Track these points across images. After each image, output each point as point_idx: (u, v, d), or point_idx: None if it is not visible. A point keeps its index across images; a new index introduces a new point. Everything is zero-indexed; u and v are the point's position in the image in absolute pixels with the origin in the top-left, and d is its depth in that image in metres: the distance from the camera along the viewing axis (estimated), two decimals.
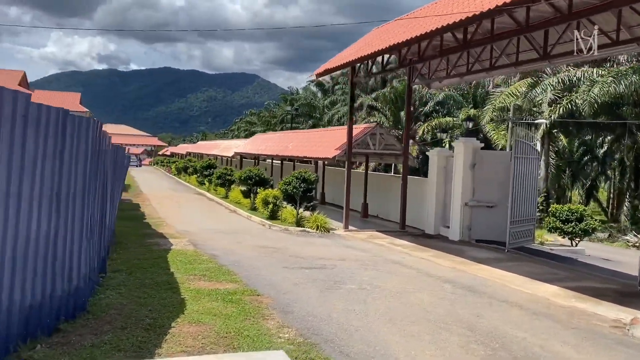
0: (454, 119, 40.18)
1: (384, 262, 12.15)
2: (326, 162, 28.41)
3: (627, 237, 25.38)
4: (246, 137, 61.79)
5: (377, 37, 16.21)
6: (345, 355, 5.76)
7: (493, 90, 34.70)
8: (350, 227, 18.20)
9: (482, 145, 17.49)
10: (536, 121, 28.02)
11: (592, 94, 25.80)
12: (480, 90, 42.41)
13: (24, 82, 69.35)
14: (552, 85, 27.80)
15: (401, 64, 15.54)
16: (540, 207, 28.27)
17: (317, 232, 17.08)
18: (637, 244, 23.39)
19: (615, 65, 27.28)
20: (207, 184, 33.39)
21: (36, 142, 4.99)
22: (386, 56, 16.66)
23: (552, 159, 32.71)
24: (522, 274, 11.41)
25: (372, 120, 44.05)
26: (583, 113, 27.52)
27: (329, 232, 17.29)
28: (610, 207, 43.96)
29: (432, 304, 8.27)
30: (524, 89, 29.41)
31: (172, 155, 78.92)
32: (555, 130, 32.12)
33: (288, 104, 66.07)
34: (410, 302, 8.30)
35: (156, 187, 36.45)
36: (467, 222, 16.78)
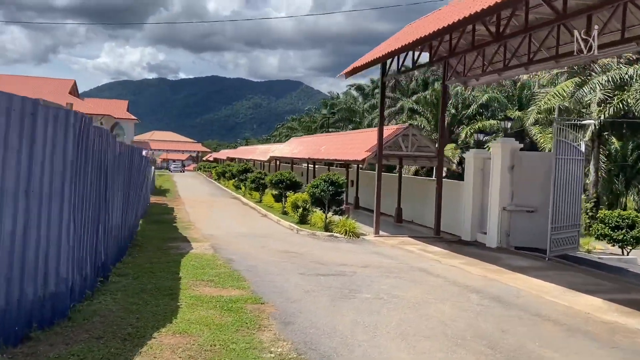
0: (498, 122, 38.69)
1: (409, 269, 11.36)
2: (361, 166, 27.70)
3: None
4: None
5: (408, 33, 15.44)
6: None
7: (537, 90, 33.16)
8: (381, 233, 17.43)
9: (522, 145, 16.41)
10: (584, 122, 26.40)
11: None
12: (525, 91, 40.77)
13: (74, 90, 71.69)
14: (602, 84, 26.14)
15: (432, 59, 14.70)
16: (590, 213, 26.64)
17: (345, 237, 16.39)
18: None
19: None
20: (242, 188, 33.23)
21: None
22: (417, 53, 15.84)
23: (603, 162, 30.86)
24: (562, 284, 10.41)
25: (413, 123, 43.06)
26: (636, 113, 25.78)
27: (358, 237, 16.58)
28: None
29: (452, 317, 7.47)
30: (570, 89, 27.84)
31: (215, 160, 79.75)
32: (606, 133, 30.29)
33: (328, 108, 65.68)
34: (428, 314, 7.53)
35: (194, 192, 36.59)
36: (505, 228, 15.74)
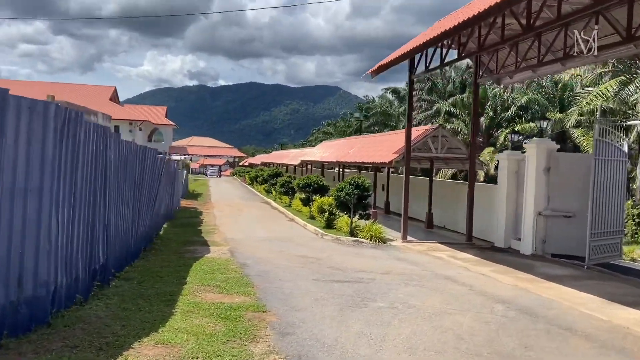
0: (539, 124, 37.25)
1: (432, 277, 10.66)
2: (392, 169, 26.96)
3: None
4: None
5: (435, 29, 14.74)
6: None
7: (579, 91, 31.70)
8: (409, 238, 16.71)
9: (558, 146, 15.43)
10: (629, 122, 24.91)
11: None
12: (567, 92, 39.16)
13: (114, 96, 73.26)
14: None
15: (461, 55, 13.95)
16: (636, 220, 25.13)
17: (371, 242, 15.75)
18: None
19: None
20: (273, 192, 32.97)
21: None
22: (445, 50, 15.08)
23: None
24: (600, 295, 9.53)
25: (449, 126, 42.09)
26: None
27: (384, 243, 15.91)
28: None
29: (471, 330, 6.77)
30: (614, 88, 26.39)
31: (250, 165, 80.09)
32: None
33: (363, 112, 65.09)
34: (444, 327, 6.85)
35: (226, 196, 36.54)
36: (541, 234, 14.80)
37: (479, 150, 39.66)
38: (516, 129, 37.15)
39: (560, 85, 39.78)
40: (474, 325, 7.03)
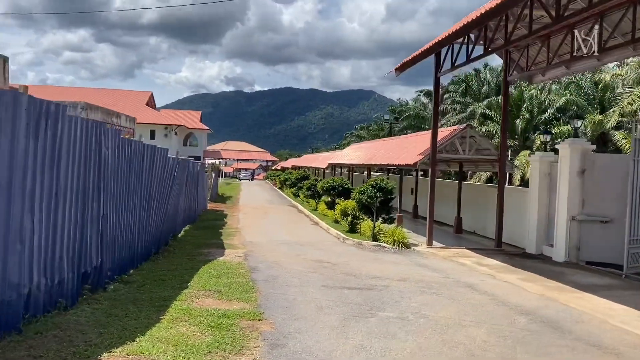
0: (574, 123, 35.70)
1: (453, 284, 9.98)
2: (420, 172, 26.20)
3: None
4: None
5: (460, 23, 14.02)
6: None
7: (621, 91, 30.26)
8: (435, 244, 15.99)
9: (594, 147, 14.49)
10: None
11: None
12: (608, 93, 37.52)
13: (151, 101, 74.32)
14: None
15: (488, 49, 13.19)
16: None
17: (393, 247, 15.11)
18: None
19: None
20: (301, 195, 32.60)
21: None
22: (471, 47, 14.33)
23: None
24: (637, 308, 8.71)
25: (483, 129, 40.98)
26: None
27: (408, 248, 15.24)
28: None
29: (484, 345, 6.12)
30: None
31: (282, 169, 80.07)
32: None
33: (396, 115, 64.25)
34: (455, 341, 6.22)
35: (254, 199, 36.36)
36: (575, 240, 13.89)
37: (514, 153, 38.47)
38: (554, 132, 35.80)
39: (600, 85, 38.15)
40: (489, 339, 6.37)
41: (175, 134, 65.43)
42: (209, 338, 5.61)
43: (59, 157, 5.85)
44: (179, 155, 12.77)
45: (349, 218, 18.42)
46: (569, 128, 36.35)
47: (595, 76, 35.15)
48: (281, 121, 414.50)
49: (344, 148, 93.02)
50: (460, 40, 14.32)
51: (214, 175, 35.17)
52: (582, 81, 37.23)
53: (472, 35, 14.36)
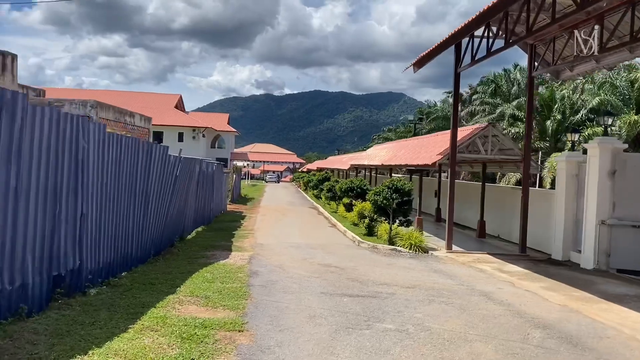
0: (611, 128, 34.20)
1: (466, 293, 9.21)
2: (444, 173, 25.29)
3: None
4: None
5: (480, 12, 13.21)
6: None
7: None
8: (455, 248, 15.17)
9: (626, 146, 13.49)
10: None
11: None
12: None
13: (180, 104, 74.91)
14: None
15: (509, 41, 12.34)
16: None
17: (410, 251, 14.35)
18: None
19: None
20: (322, 197, 32.04)
21: None
22: (491, 41, 13.50)
23: None
24: None
25: (513, 130, 39.76)
26: None
27: (426, 252, 14.47)
28: None
29: None
30: None
31: (308, 171, 79.67)
32: None
33: (417, 115, 63.23)
34: (456, 358, 5.51)
35: (276, 201, 35.94)
36: (605, 246, 12.91)
37: (545, 155, 37.07)
38: (587, 133, 34.38)
39: (637, 85, 36.55)
40: (496, 357, 5.64)
41: (203, 136, 65.62)
42: (174, 352, 5.04)
43: (18, 150, 5.38)
44: (182, 154, 12.29)
45: (366, 220, 17.74)
46: (602, 129, 34.87)
47: (631, 75, 33.65)
48: (310, 124, 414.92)
49: None
50: (480, 32, 13.53)
51: (235, 176, 34.85)
52: (617, 80, 35.73)
53: (493, 28, 13.56)
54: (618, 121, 33.42)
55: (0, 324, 5.23)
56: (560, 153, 37.59)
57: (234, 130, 77.80)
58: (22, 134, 5.44)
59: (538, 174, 33.86)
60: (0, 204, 5.17)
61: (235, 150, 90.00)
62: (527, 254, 14.98)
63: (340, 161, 47.29)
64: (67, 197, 6.60)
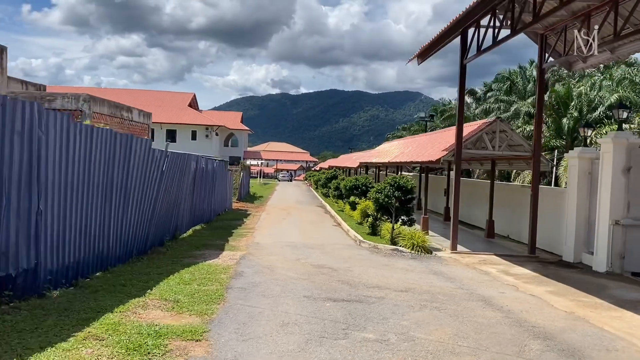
0: (631, 125, 33.06)
1: (464, 298, 8.52)
2: (451, 169, 24.51)
3: None
4: None
5: None
6: None
7: None
8: (461, 249, 14.46)
9: None
10: None
11: None
12: None
13: (193, 102, 74.79)
14: None
15: (515, 29, 11.57)
16: None
17: (412, 252, 13.66)
18: None
19: None
20: (330, 196, 31.45)
21: None
22: (497, 31, 12.74)
23: None
24: None
25: (528, 129, 38.71)
26: None
27: (429, 253, 13.77)
28: None
29: None
30: None
31: (321, 170, 79.09)
32: None
33: (438, 115, 62.30)
34: None
35: (284, 199, 35.39)
36: (619, 248, 12.11)
37: (561, 154, 35.98)
38: (605, 131, 33.26)
39: None
40: None
41: (216, 134, 65.35)
42: None
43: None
44: (169, 149, 11.75)
45: (370, 219, 17.09)
46: (618, 124, 33.67)
47: None
48: (326, 123, 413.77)
49: None
50: (486, 22, 12.81)
51: (243, 174, 34.35)
52: (637, 77, 34.59)
53: (500, 17, 12.81)
54: (637, 118, 32.29)
55: None
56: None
57: (247, 128, 77.48)
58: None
59: (554, 173, 32.86)
60: None
61: (249, 148, 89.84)
62: (536, 256, 14.21)
63: (350, 159, 46.64)
64: (19, 190, 6.07)
